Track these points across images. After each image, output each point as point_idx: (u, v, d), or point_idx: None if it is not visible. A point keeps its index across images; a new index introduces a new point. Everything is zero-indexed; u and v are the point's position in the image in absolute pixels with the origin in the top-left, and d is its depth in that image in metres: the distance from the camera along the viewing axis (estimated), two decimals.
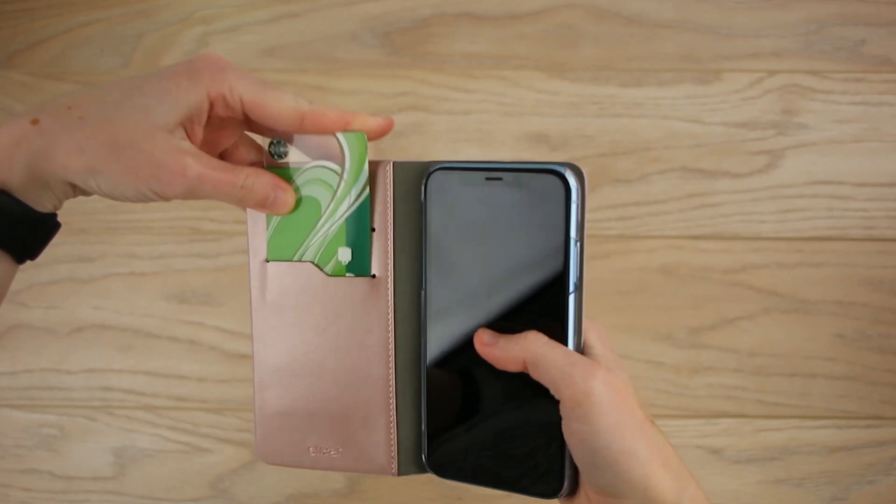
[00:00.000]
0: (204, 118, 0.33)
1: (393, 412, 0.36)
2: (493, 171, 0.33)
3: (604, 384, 0.30)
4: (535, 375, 0.31)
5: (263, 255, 0.37)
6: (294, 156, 0.36)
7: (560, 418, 0.31)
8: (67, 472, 0.64)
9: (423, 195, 0.35)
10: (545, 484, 0.33)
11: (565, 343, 0.32)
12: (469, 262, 0.34)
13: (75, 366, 0.65)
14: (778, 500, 0.62)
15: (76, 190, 0.33)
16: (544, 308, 0.32)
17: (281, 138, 0.36)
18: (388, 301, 0.35)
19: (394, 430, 0.36)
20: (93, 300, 0.66)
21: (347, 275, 0.36)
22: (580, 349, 0.33)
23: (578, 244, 0.32)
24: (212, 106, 0.32)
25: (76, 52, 0.71)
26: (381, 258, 0.35)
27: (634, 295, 0.65)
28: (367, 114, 0.35)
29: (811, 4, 0.70)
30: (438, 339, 0.35)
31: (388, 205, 0.35)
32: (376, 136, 0.35)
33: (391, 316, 0.35)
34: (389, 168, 0.35)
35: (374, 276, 0.35)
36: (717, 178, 0.67)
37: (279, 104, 0.33)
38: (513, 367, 0.32)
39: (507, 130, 0.68)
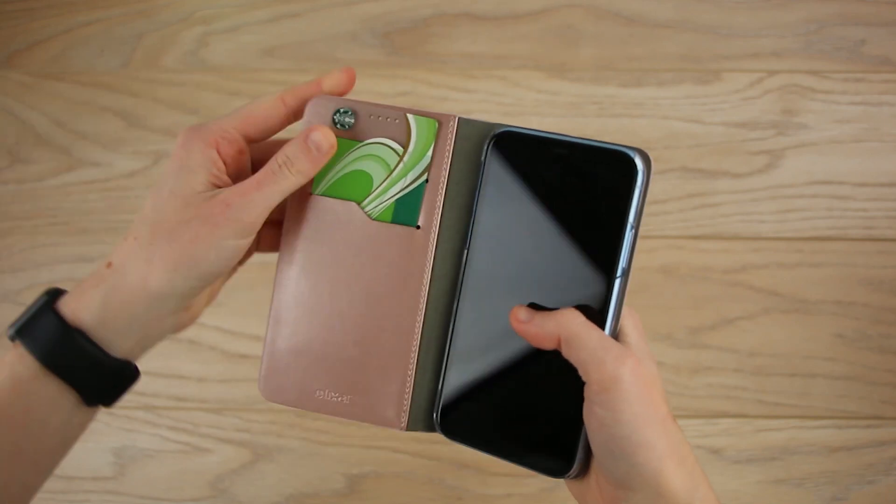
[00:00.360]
0: (221, 166, 0.34)
1: (413, 367, 0.35)
2: (560, 144, 0.32)
3: (633, 373, 0.30)
4: (566, 353, 0.31)
5: (308, 187, 0.36)
6: (359, 128, 0.35)
7: (582, 400, 0.31)
8: (67, 472, 0.63)
9: (484, 154, 0.34)
10: (555, 462, 0.33)
11: (603, 327, 0.32)
12: (518, 229, 0.33)
13: None
14: (778, 500, 0.62)
15: (176, 319, 0.34)
16: (588, 288, 0.32)
17: (347, 108, 0.35)
18: (428, 254, 0.35)
19: (410, 386, 0.35)
20: None
21: (392, 222, 0.35)
22: (615, 335, 0.32)
23: (634, 230, 0.31)
24: (219, 152, 0.34)
25: (76, 52, 0.71)
26: (429, 210, 0.35)
27: (634, 295, 0.65)
28: (330, 73, 0.36)
29: (811, 4, 0.70)
30: (472, 302, 0.34)
31: (447, 158, 0.35)
32: (347, 87, 0.36)
33: (429, 269, 0.35)
34: (454, 122, 0.34)
35: (418, 227, 0.35)
36: (717, 178, 0.67)
37: (258, 104, 0.35)
38: (547, 344, 0.31)
39: None
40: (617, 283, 0.32)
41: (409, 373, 0.35)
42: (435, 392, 0.36)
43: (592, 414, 0.30)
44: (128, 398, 0.64)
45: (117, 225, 0.67)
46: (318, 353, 0.36)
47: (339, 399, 0.36)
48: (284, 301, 0.36)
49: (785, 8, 0.70)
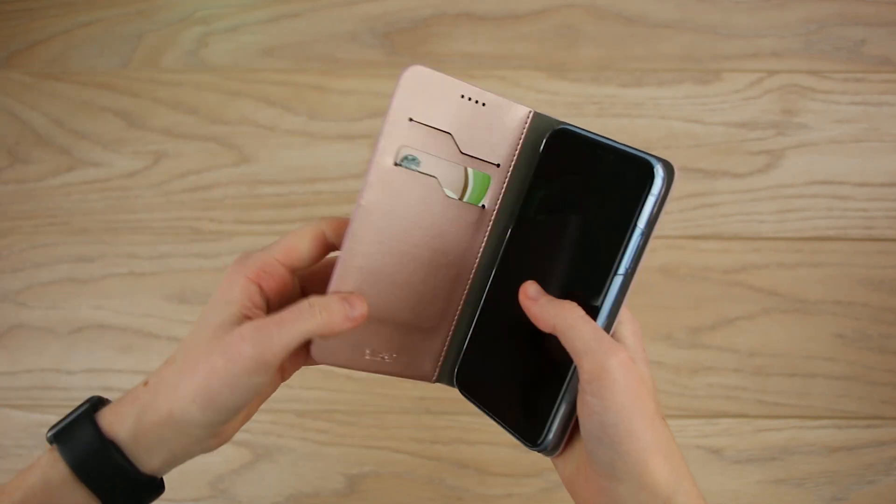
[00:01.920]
0: (257, 300, 0.34)
1: (452, 328, 0.39)
2: (600, 146, 0.35)
3: (622, 365, 0.31)
4: (562, 342, 0.32)
5: (391, 159, 0.37)
6: (423, 168, 0.38)
7: (567, 382, 0.33)
8: None
9: (541, 147, 0.37)
10: (531, 432, 0.35)
11: (595, 319, 0.33)
12: (550, 218, 0.36)
13: (75, 366, 0.65)
14: (778, 500, 0.62)
15: (206, 443, 0.34)
16: (592, 283, 0.34)
17: (414, 155, 0.37)
18: (486, 230, 0.38)
19: (447, 344, 0.39)
20: (93, 300, 0.66)
21: (463, 200, 0.38)
22: (609, 332, 0.34)
23: (643, 235, 0.33)
24: (261, 286, 0.34)
25: (76, 52, 0.71)
26: (494, 193, 0.38)
27: (634, 295, 0.64)
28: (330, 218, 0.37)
29: (811, 4, 0.70)
30: (501, 276, 0.38)
31: (517, 148, 0.37)
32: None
33: (483, 244, 0.38)
34: (530, 116, 0.37)
35: (483, 206, 0.38)
36: (717, 178, 0.67)
37: (299, 235, 0.35)
38: (544, 328, 0.33)
39: None
40: (616, 280, 0.34)
41: (448, 334, 0.39)
42: (459, 351, 0.39)
43: (584, 402, 0.32)
44: None
45: (117, 225, 0.68)
46: (375, 318, 0.38)
47: (385, 358, 0.38)
48: (349, 266, 0.37)
49: (785, 8, 0.70)
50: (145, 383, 0.34)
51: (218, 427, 0.34)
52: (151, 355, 0.65)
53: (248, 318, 0.33)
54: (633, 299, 0.35)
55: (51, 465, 0.33)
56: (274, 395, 0.65)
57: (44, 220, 0.68)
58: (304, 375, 0.64)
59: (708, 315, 0.65)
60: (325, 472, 0.63)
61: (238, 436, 0.63)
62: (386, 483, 0.62)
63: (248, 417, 0.38)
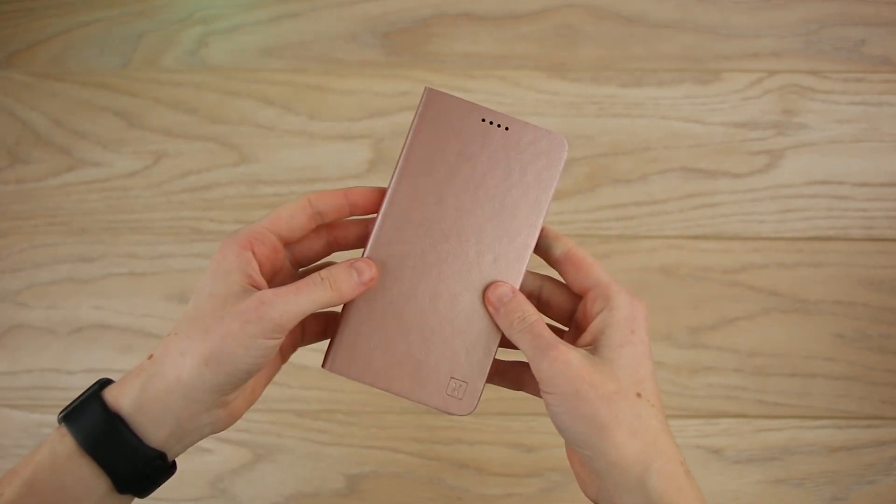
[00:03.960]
0: (255, 266, 0.35)
1: None
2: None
3: (554, 364, 0.33)
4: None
5: None
6: None
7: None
8: None
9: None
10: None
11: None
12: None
13: (75, 366, 0.65)
14: (778, 500, 0.62)
15: (213, 417, 0.35)
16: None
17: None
18: None
19: None
20: (93, 300, 0.66)
21: None
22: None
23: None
24: (254, 252, 0.35)
25: (76, 52, 0.71)
26: None
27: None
28: (357, 187, 0.38)
29: (811, 4, 0.70)
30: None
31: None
32: (372, 206, 0.38)
33: None
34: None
35: None
36: (717, 178, 0.67)
37: (285, 205, 0.37)
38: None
39: None
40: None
41: None
42: None
43: (544, 399, 0.34)
44: None
45: (117, 225, 0.68)
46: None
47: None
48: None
49: (785, 8, 0.70)
50: (150, 357, 0.35)
51: (227, 393, 0.34)
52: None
53: (252, 286, 0.35)
54: None
55: (58, 440, 0.33)
56: (274, 395, 0.65)
57: (44, 220, 0.68)
58: (305, 375, 0.64)
59: (708, 315, 0.65)
60: (325, 472, 0.63)
61: (238, 436, 0.63)
62: (386, 483, 0.62)
63: (254, 395, 0.38)
